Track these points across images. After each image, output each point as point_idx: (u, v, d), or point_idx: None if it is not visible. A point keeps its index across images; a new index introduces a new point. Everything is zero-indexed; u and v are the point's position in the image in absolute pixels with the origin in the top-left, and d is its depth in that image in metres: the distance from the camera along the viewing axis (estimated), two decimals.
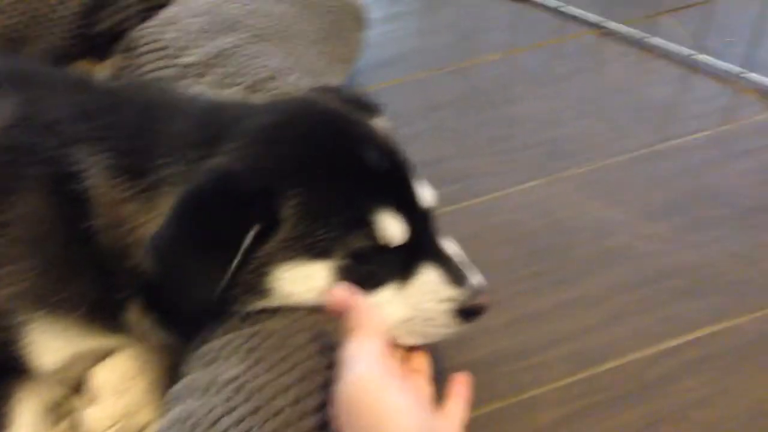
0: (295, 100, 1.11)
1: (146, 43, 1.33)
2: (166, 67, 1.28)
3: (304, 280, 0.91)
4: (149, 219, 0.91)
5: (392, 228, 0.90)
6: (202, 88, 1.22)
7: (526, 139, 1.54)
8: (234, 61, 1.26)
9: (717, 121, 1.55)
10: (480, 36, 1.80)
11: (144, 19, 1.46)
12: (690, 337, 1.20)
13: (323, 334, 0.93)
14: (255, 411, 0.84)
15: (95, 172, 0.95)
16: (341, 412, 0.80)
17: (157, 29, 1.34)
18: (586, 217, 1.39)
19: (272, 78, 1.24)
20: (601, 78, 1.68)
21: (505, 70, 1.71)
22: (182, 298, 0.90)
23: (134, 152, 0.95)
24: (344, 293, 0.89)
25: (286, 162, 0.91)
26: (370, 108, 1.06)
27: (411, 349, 0.99)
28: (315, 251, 0.90)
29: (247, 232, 0.86)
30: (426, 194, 0.96)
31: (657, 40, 1.71)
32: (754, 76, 1.61)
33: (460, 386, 0.95)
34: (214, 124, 0.96)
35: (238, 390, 0.87)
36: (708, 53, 1.67)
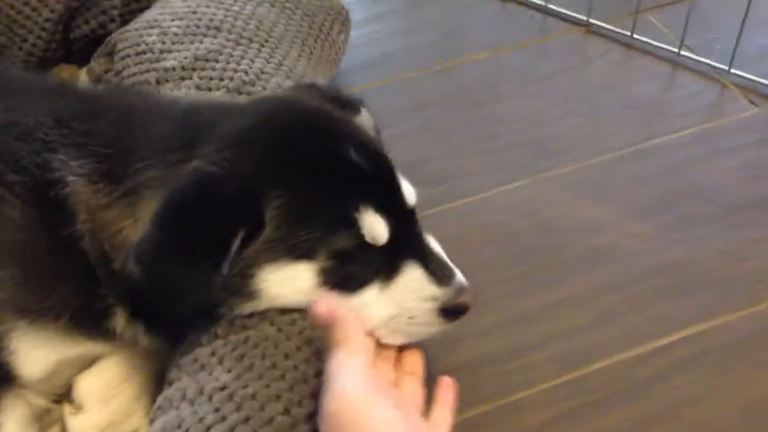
0: (275, 98, 1.10)
1: (127, 47, 1.33)
2: (147, 71, 1.27)
3: (289, 282, 0.91)
4: (131, 224, 0.91)
5: (376, 227, 0.90)
6: (185, 92, 1.22)
7: (511, 139, 1.53)
8: (216, 64, 1.26)
9: (702, 118, 1.55)
10: (465, 35, 1.79)
11: (124, 23, 1.45)
12: (678, 336, 1.20)
13: (313, 341, 0.92)
14: (246, 420, 0.84)
15: (75, 179, 0.94)
16: (327, 426, 0.79)
17: (137, 33, 1.34)
18: (572, 217, 1.39)
19: (255, 81, 1.23)
20: (586, 76, 1.68)
21: (490, 69, 1.70)
22: (173, 306, 0.89)
23: (113, 157, 0.94)
24: (330, 305, 0.89)
25: (268, 163, 0.90)
26: (352, 105, 1.05)
27: (402, 349, 0.98)
28: (299, 252, 0.89)
29: (233, 236, 0.85)
30: (409, 193, 0.96)
31: (641, 38, 1.71)
32: (739, 73, 1.62)
33: (446, 391, 0.95)
34: (193, 126, 0.95)
35: (228, 398, 0.86)
36: (692, 50, 1.67)
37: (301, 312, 0.94)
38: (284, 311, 0.94)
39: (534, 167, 1.47)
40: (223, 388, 0.87)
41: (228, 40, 1.30)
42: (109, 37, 1.38)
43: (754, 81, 1.60)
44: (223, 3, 1.36)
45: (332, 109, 1.02)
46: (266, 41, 1.33)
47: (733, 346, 1.19)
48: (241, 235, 0.86)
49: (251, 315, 0.94)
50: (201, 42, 1.29)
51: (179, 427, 0.85)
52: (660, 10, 1.79)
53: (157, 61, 1.28)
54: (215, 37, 1.30)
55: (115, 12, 1.49)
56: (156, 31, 1.32)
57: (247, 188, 0.88)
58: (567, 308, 1.24)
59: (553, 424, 1.10)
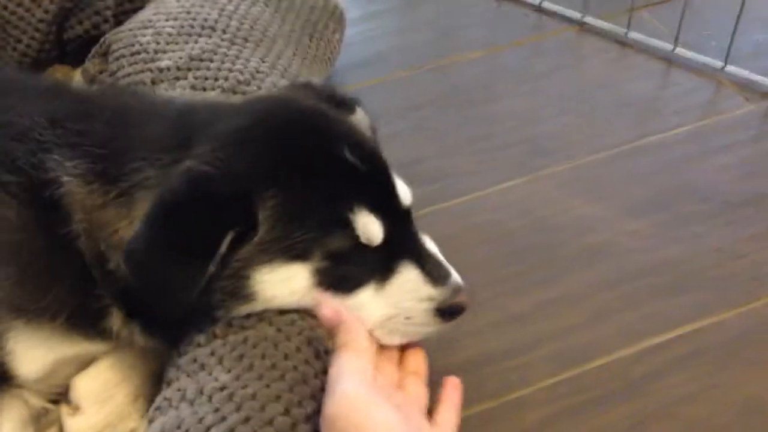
0: (270, 98, 1.10)
1: (121, 48, 1.32)
2: (142, 71, 1.27)
3: (284, 283, 0.91)
4: (126, 224, 0.91)
5: (370, 228, 0.90)
6: (179, 92, 1.21)
7: (506, 138, 1.53)
8: (211, 64, 1.25)
9: (697, 115, 1.55)
10: (459, 34, 1.79)
11: (118, 23, 1.45)
12: (674, 333, 1.20)
13: (313, 341, 0.92)
14: (246, 420, 0.84)
15: (70, 179, 0.94)
16: (328, 428, 0.80)
17: (132, 33, 1.33)
18: (568, 215, 1.39)
19: (250, 80, 1.23)
20: (581, 74, 1.68)
21: (485, 68, 1.70)
22: (159, 304, 0.90)
23: (108, 158, 0.94)
24: (333, 310, 0.90)
25: (261, 163, 0.90)
26: (347, 104, 1.05)
27: (404, 349, 0.98)
28: (293, 253, 0.89)
29: (223, 236, 0.85)
30: (404, 192, 0.95)
31: (636, 36, 1.72)
32: (734, 70, 1.62)
33: (452, 391, 0.95)
34: (187, 126, 0.95)
35: (228, 399, 0.86)
36: (687, 48, 1.67)
37: (300, 312, 0.94)
38: (283, 311, 0.94)
39: (529, 166, 1.47)
40: (222, 389, 0.87)
41: (223, 40, 1.30)
42: (103, 38, 1.38)
43: (749, 78, 1.60)
44: (217, 3, 1.36)
45: (327, 108, 1.01)
46: (261, 41, 1.33)
47: (729, 343, 1.19)
48: (231, 235, 0.85)
49: (249, 315, 0.94)
50: (196, 42, 1.29)
51: (179, 427, 0.85)
52: (654, 7, 1.79)
53: (152, 61, 1.28)
54: (210, 37, 1.30)
55: (108, 12, 1.48)
56: (150, 31, 1.32)
57: (240, 188, 0.87)
58: (563, 307, 1.24)
59: (552, 422, 1.10)
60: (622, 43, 1.73)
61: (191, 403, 0.87)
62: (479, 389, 1.09)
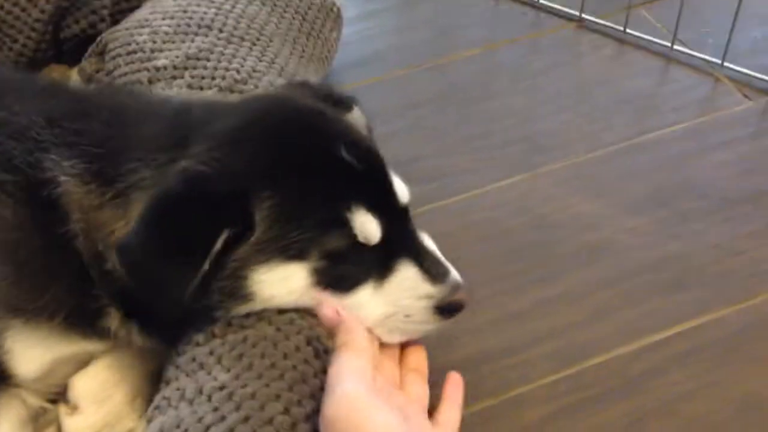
0: (266, 97, 1.10)
1: (118, 47, 1.32)
2: (139, 70, 1.27)
3: (282, 282, 0.90)
4: (122, 225, 0.90)
5: (368, 227, 0.90)
6: (176, 91, 1.21)
7: (504, 136, 1.53)
8: (208, 62, 1.25)
9: (695, 112, 1.55)
10: (457, 32, 1.79)
11: (115, 22, 1.45)
12: (673, 330, 1.20)
13: (312, 340, 0.92)
14: (245, 420, 0.83)
15: (67, 179, 0.94)
16: (327, 429, 0.79)
17: (128, 32, 1.33)
18: (566, 213, 1.38)
19: (247, 79, 1.22)
20: (578, 72, 1.68)
21: (483, 66, 1.70)
22: (154, 302, 0.89)
23: (105, 157, 0.94)
24: (333, 309, 0.90)
25: (258, 162, 0.90)
26: (344, 103, 1.05)
27: (405, 346, 0.98)
28: (291, 252, 0.89)
29: (217, 236, 0.85)
30: (402, 191, 0.95)
31: (634, 33, 1.71)
32: (732, 67, 1.61)
33: (454, 389, 0.96)
34: (184, 125, 0.94)
35: (227, 398, 0.86)
36: (685, 45, 1.67)
37: (299, 311, 0.94)
38: (282, 311, 0.94)
39: (527, 163, 1.47)
40: (222, 388, 0.87)
41: (219, 39, 1.29)
42: (99, 37, 1.38)
43: (747, 74, 1.60)
44: (213, 1, 1.36)
45: (324, 107, 1.01)
46: (258, 39, 1.32)
47: (728, 340, 1.19)
48: (226, 234, 0.85)
49: (248, 314, 0.93)
50: (192, 41, 1.29)
51: (178, 427, 0.85)
52: (652, 4, 1.79)
53: (149, 60, 1.27)
54: (206, 36, 1.30)
55: (105, 11, 1.48)
56: (147, 30, 1.32)
57: (236, 188, 0.87)
58: (562, 304, 1.24)
59: (552, 419, 1.10)
60: (620, 40, 1.72)
61: (190, 402, 0.87)
62: (478, 387, 1.09)
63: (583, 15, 1.76)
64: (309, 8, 1.47)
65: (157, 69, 1.25)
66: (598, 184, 1.43)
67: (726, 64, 1.61)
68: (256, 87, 1.22)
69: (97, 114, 1.00)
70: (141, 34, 1.31)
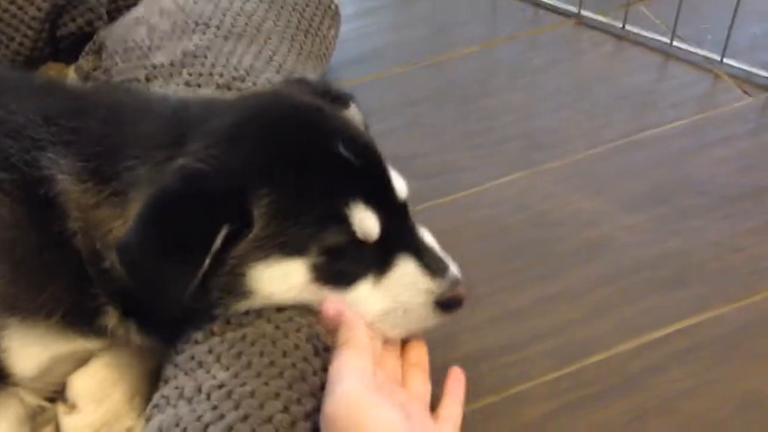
0: (263, 94, 1.10)
1: (115, 44, 1.32)
2: (136, 68, 1.27)
3: (281, 279, 0.90)
4: (120, 224, 0.90)
5: (366, 222, 0.90)
6: (174, 89, 1.21)
7: (503, 133, 1.53)
8: (205, 60, 1.25)
9: (694, 109, 1.55)
10: (456, 29, 1.79)
11: (112, 20, 1.44)
12: (673, 328, 1.19)
13: (311, 338, 0.92)
14: (244, 418, 0.83)
15: (64, 177, 0.94)
16: (327, 427, 0.79)
17: (125, 30, 1.33)
18: (566, 210, 1.38)
19: (245, 77, 1.22)
20: (577, 68, 1.67)
21: (482, 63, 1.70)
22: (154, 301, 0.89)
23: (101, 156, 0.94)
24: (335, 307, 0.90)
25: (256, 159, 0.90)
26: (341, 99, 1.05)
27: (406, 342, 0.98)
28: (289, 249, 0.89)
29: (216, 233, 0.84)
30: (400, 186, 0.95)
31: (633, 29, 1.71)
32: (731, 63, 1.61)
33: (456, 384, 0.95)
34: (181, 123, 0.94)
35: (226, 396, 0.85)
36: (684, 41, 1.66)
37: (298, 309, 0.94)
38: (281, 309, 0.93)
39: (526, 161, 1.47)
40: (221, 386, 0.86)
41: (217, 36, 1.29)
42: (96, 35, 1.37)
43: (746, 71, 1.60)
44: None
45: (321, 103, 1.01)
46: (255, 37, 1.32)
47: (728, 337, 1.19)
48: (225, 232, 0.85)
49: (247, 312, 0.93)
50: (190, 38, 1.28)
51: (177, 425, 0.84)
52: (651, 1, 1.78)
53: (146, 57, 1.27)
54: (204, 33, 1.29)
55: (102, 9, 1.48)
56: (144, 27, 1.31)
57: (234, 185, 0.87)
58: (561, 302, 1.24)
59: (552, 417, 1.10)
60: (619, 36, 1.72)
61: (189, 401, 0.87)
62: (478, 385, 1.08)
63: (582, 12, 1.76)
64: (307, 5, 1.46)
65: (155, 66, 1.25)
66: (597, 181, 1.43)
67: (725, 60, 1.61)
68: (254, 84, 1.21)
69: (94, 112, 0.99)
70: (138, 32, 1.31)
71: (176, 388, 0.90)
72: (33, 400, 1.02)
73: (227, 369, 0.88)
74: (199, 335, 0.93)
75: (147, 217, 0.85)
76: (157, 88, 1.22)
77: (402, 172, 0.98)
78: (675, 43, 1.66)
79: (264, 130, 0.93)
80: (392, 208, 0.93)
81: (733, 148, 1.47)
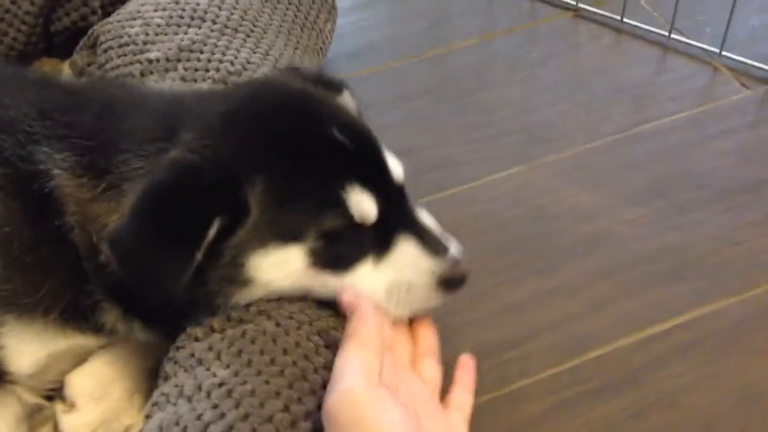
0: (255, 82, 1.09)
1: (110, 39, 1.31)
2: (131, 63, 1.26)
3: (280, 266, 0.90)
4: (116, 218, 0.90)
5: (364, 205, 0.89)
6: (170, 84, 1.20)
7: (501, 127, 1.52)
8: (201, 55, 1.24)
9: (693, 102, 1.54)
10: (453, 22, 1.78)
11: (106, 15, 1.43)
12: (674, 321, 1.19)
13: (312, 336, 0.91)
14: (245, 417, 0.82)
15: (60, 172, 0.93)
16: (328, 422, 0.79)
17: (120, 24, 1.32)
18: (565, 204, 1.38)
19: (242, 71, 1.21)
20: (576, 62, 1.67)
21: (479, 56, 1.69)
22: (147, 293, 0.89)
23: (96, 150, 0.93)
24: (352, 296, 0.90)
25: (248, 146, 0.89)
26: (334, 86, 1.04)
27: (416, 328, 0.98)
28: (286, 235, 0.88)
29: (209, 224, 0.84)
30: (396, 169, 0.95)
31: (631, 22, 1.70)
32: (730, 56, 1.60)
33: (465, 373, 0.95)
34: (174, 115, 0.93)
35: (226, 395, 0.85)
36: (683, 34, 1.66)
37: (299, 306, 0.93)
38: (281, 306, 0.93)
39: (525, 154, 1.46)
40: (221, 385, 0.86)
41: (212, 31, 1.28)
42: (91, 30, 1.36)
43: (745, 63, 1.59)
44: None
45: (314, 90, 1.00)
46: (252, 31, 1.31)
47: (728, 331, 1.18)
48: (218, 222, 0.84)
49: (248, 308, 0.93)
50: (185, 33, 1.27)
51: (177, 424, 0.84)
52: None
53: (141, 52, 1.26)
54: (199, 28, 1.28)
55: (96, 4, 1.47)
56: (139, 22, 1.30)
57: (227, 174, 0.86)
58: (561, 296, 1.24)
59: (553, 412, 1.10)
60: (617, 29, 1.72)
61: (189, 399, 0.86)
62: (478, 381, 1.07)
63: (580, 4, 1.76)
64: None
65: (150, 61, 1.24)
66: (595, 174, 1.42)
67: (724, 53, 1.61)
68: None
69: (89, 107, 0.99)
70: (133, 27, 1.30)
71: (176, 385, 0.89)
72: (31, 398, 1.01)
73: (227, 367, 0.88)
74: (199, 332, 0.93)
75: (139, 209, 0.85)
76: (153, 83, 1.21)
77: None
78: (673, 36, 1.65)
79: (256, 117, 0.92)
80: (389, 190, 0.93)
81: (733, 141, 1.46)
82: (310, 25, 1.45)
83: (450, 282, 0.93)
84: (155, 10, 1.31)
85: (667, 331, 1.18)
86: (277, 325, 0.91)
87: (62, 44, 1.48)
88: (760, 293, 1.23)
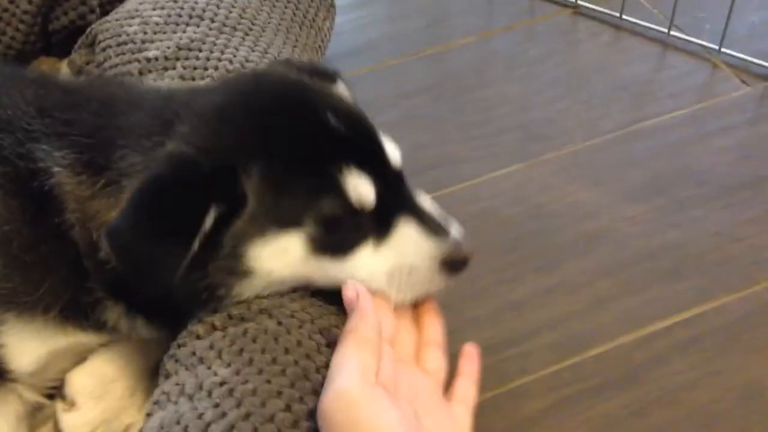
0: (249, 73, 1.09)
1: (108, 38, 1.30)
2: (129, 61, 1.25)
3: (280, 254, 0.89)
4: (115, 214, 0.89)
5: (361, 189, 0.89)
6: (168, 82, 1.20)
7: (500, 124, 1.52)
8: (200, 53, 1.24)
9: (693, 98, 1.54)
10: (451, 20, 1.78)
11: (104, 13, 1.43)
12: (675, 319, 1.19)
13: (313, 334, 0.91)
14: (246, 417, 0.82)
15: (60, 170, 0.93)
16: (323, 423, 0.78)
17: (118, 23, 1.31)
18: (564, 201, 1.37)
19: (240, 69, 1.21)
20: (575, 59, 1.67)
21: (478, 54, 1.69)
22: (143, 285, 0.88)
23: (94, 147, 0.93)
24: (354, 292, 0.89)
25: (243, 136, 0.89)
26: (328, 75, 1.04)
27: (421, 318, 0.97)
28: (285, 222, 0.88)
29: (204, 214, 0.84)
30: (394, 153, 0.94)
31: (630, 19, 1.70)
32: (729, 52, 1.60)
33: (470, 364, 0.95)
34: (168, 110, 0.93)
35: (228, 394, 0.84)
36: (682, 30, 1.66)
37: (301, 304, 0.93)
38: (283, 304, 0.92)
39: (524, 152, 1.46)
40: (222, 383, 0.85)
41: (211, 29, 1.28)
42: (89, 28, 1.36)
43: (744, 60, 1.59)
44: None
45: (308, 79, 1.00)
46: (250, 29, 1.31)
47: (729, 328, 1.18)
48: (214, 212, 0.84)
49: (249, 307, 0.92)
50: (183, 31, 1.27)
51: (178, 423, 0.83)
52: None
53: (139, 51, 1.26)
54: (198, 26, 1.28)
55: (94, 2, 1.47)
56: (137, 20, 1.30)
57: (222, 164, 0.86)
58: (561, 294, 1.23)
59: (554, 409, 1.10)
60: (617, 26, 1.71)
61: (190, 398, 0.86)
62: (480, 378, 1.08)
63: (579, 1, 1.75)
64: None
65: (148, 60, 1.24)
66: (595, 172, 1.42)
67: (723, 49, 1.60)
68: None
69: (87, 105, 0.98)
70: (131, 25, 1.29)
71: (177, 384, 0.89)
72: (31, 396, 1.01)
73: (228, 365, 0.87)
74: (200, 329, 0.92)
75: (136, 202, 0.84)
76: (151, 81, 1.21)
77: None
78: (673, 33, 1.65)
79: (250, 107, 0.92)
80: (387, 174, 0.92)
81: (733, 137, 1.46)
82: (308, 23, 1.44)
83: (452, 264, 0.92)
84: (153, 9, 1.31)
85: (667, 328, 1.18)
86: (279, 323, 0.91)
87: (60, 43, 1.48)
88: (760, 290, 1.22)
